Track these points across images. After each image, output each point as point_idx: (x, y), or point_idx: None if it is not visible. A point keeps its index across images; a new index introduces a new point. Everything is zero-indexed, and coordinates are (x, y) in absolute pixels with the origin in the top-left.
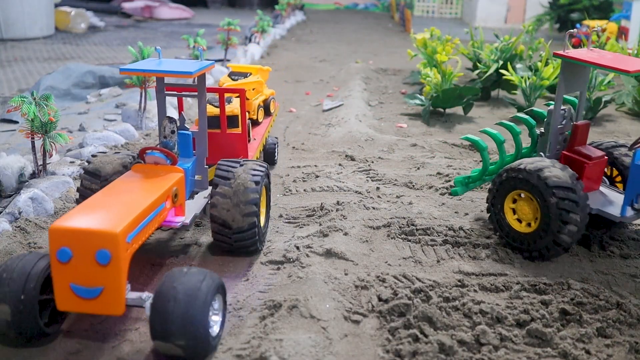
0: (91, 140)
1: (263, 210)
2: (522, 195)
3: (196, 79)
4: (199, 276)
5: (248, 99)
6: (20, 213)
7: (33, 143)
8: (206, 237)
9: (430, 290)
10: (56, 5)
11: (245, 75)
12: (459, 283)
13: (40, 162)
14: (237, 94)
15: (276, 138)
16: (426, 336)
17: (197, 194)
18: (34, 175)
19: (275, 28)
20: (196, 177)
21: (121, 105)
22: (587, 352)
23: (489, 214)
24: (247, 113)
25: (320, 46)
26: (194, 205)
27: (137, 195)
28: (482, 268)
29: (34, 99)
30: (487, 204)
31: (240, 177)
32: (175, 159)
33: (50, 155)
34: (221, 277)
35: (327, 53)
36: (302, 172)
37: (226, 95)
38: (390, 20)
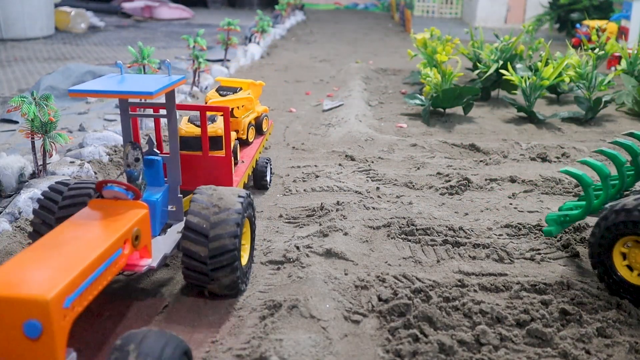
0: (91, 140)
1: (246, 245)
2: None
3: (165, 96)
4: (158, 342)
5: (236, 117)
6: (20, 213)
7: (33, 143)
8: (180, 276)
9: (430, 290)
10: (56, 5)
11: (234, 90)
12: (459, 283)
13: (40, 162)
14: (221, 113)
15: (268, 160)
16: (426, 336)
17: (170, 227)
18: (34, 175)
19: (275, 28)
20: (169, 207)
21: None
22: (587, 352)
23: (595, 270)
24: (235, 132)
25: (320, 46)
26: (165, 242)
27: (85, 243)
28: (482, 268)
29: (34, 99)
30: (591, 259)
31: (219, 207)
32: (139, 193)
33: (50, 155)
34: (191, 335)
35: (327, 53)
36: (302, 172)
37: (209, 113)
38: (390, 20)
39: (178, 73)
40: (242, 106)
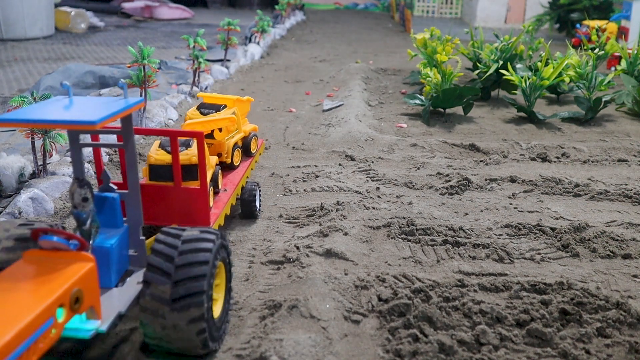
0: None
1: (218, 295)
2: None
3: (120, 122)
4: None
5: (218, 141)
6: (20, 213)
7: (33, 143)
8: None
9: (430, 290)
10: (56, 5)
11: (217, 108)
12: (459, 283)
13: (40, 162)
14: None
15: (256, 185)
16: (426, 336)
17: (131, 274)
18: (34, 175)
19: (275, 28)
20: (130, 252)
21: None
22: (587, 352)
23: None
24: (217, 156)
25: (320, 46)
26: (122, 296)
27: (4, 312)
28: (482, 268)
29: (34, 99)
30: None
31: (183, 253)
32: (84, 243)
33: (50, 155)
34: None
35: (327, 53)
36: (302, 172)
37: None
38: (390, 20)
39: (178, 73)
40: (222, 129)
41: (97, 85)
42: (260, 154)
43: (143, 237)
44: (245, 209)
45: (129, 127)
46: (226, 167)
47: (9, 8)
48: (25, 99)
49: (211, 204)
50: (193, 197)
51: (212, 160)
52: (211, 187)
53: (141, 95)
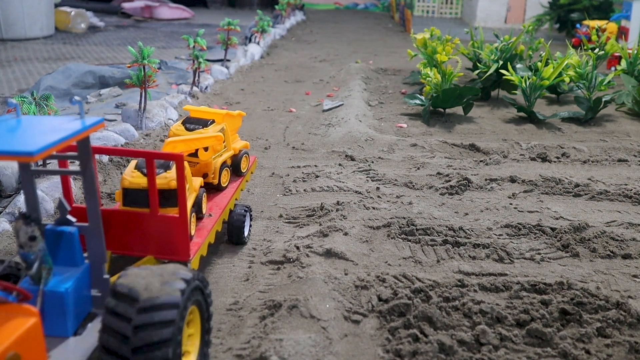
0: (91, 141)
1: (193, 343)
2: None
3: (77, 145)
4: None
5: (204, 162)
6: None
7: None
8: None
9: (430, 290)
10: (56, 5)
11: (205, 123)
12: (459, 283)
13: (40, 162)
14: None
15: (246, 208)
16: (426, 336)
17: (94, 319)
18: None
19: (275, 28)
20: (93, 292)
21: (121, 105)
22: (587, 352)
23: None
24: (203, 177)
25: (320, 46)
26: (80, 347)
27: None
28: (482, 268)
29: (34, 99)
30: None
31: (149, 297)
32: (25, 294)
33: None
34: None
35: (327, 53)
36: (302, 172)
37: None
38: (390, 20)
39: (178, 73)
40: (208, 148)
41: (97, 85)
42: (252, 172)
43: (107, 276)
44: (232, 236)
45: (87, 151)
46: (213, 188)
47: (9, 8)
48: (25, 99)
49: (192, 232)
50: (171, 226)
51: (195, 183)
52: (193, 214)
53: (141, 96)
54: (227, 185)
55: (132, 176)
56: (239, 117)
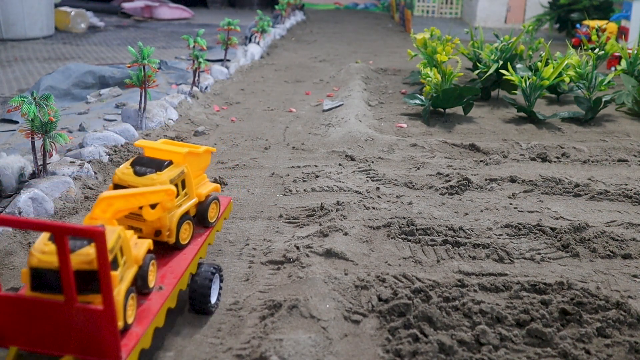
0: (91, 140)
1: None
2: None
3: None
4: None
5: (146, 223)
6: (20, 213)
7: (33, 143)
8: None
9: (430, 290)
10: (56, 5)
11: (159, 165)
12: (459, 283)
13: (40, 162)
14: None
15: (215, 269)
16: (426, 336)
17: None
18: (34, 175)
19: (275, 28)
20: None
21: (121, 105)
22: (587, 352)
23: None
24: (156, 235)
25: (320, 46)
26: None
27: None
28: (482, 268)
29: (34, 99)
30: None
31: None
32: None
33: (50, 155)
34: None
35: (327, 53)
36: (302, 172)
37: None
38: (390, 20)
39: (178, 73)
40: (156, 205)
41: (97, 85)
42: (225, 219)
43: None
44: (195, 304)
45: None
46: (171, 248)
47: (9, 8)
48: (25, 99)
49: (131, 319)
50: (93, 320)
51: (139, 250)
52: (132, 294)
53: (141, 96)
54: (190, 242)
55: (44, 251)
56: (206, 155)
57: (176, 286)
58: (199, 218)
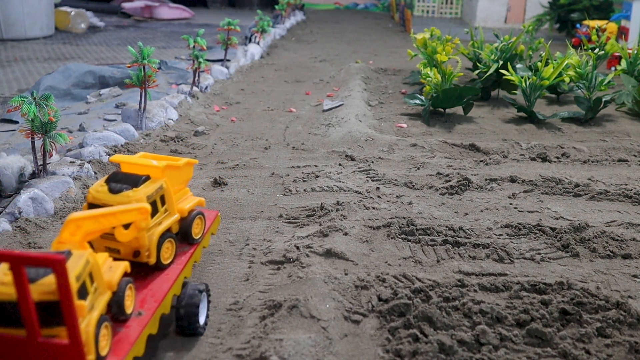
0: (91, 140)
1: None
2: None
3: None
4: None
5: (124, 243)
6: (20, 213)
7: (33, 143)
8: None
9: (430, 290)
10: (56, 5)
11: (136, 181)
12: (459, 283)
13: (40, 162)
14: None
15: (201, 288)
16: (426, 336)
17: None
18: (34, 175)
19: (275, 28)
20: None
21: (121, 105)
22: (587, 352)
23: None
24: (134, 255)
25: (320, 46)
26: None
27: None
28: (482, 268)
29: (34, 99)
30: None
31: None
32: None
33: (50, 155)
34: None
35: (327, 53)
36: (302, 172)
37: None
38: (390, 20)
39: (178, 73)
40: (129, 225)
41: (97, 85)
42: (213, 234)
43: None
44: (183, 327)
45: None
46: (152, 268)
47: (9, 8)
48: (25, 99)
49: (104, 351)
50: (58, 356)
51: (113, 274)
52: (105, 323)
53: (141, 96)
54: (172, 261)
55: (2, 282)
56: (187, 167)
57: (157, 310)
58: (183, 235)
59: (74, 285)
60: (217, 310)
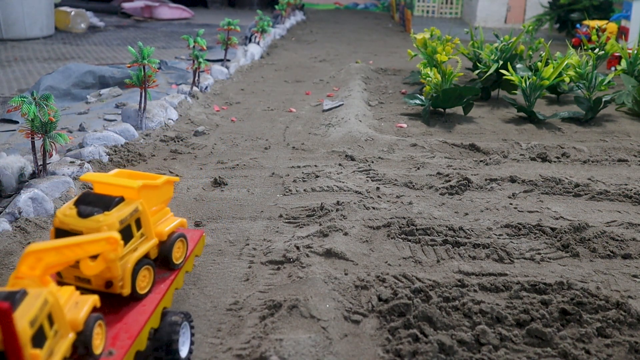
0: (91, 140)
1: None
2: None
3: None
4: None
5: (89, 278)
6: (20, 213)
7: (33, 143)
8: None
9: (430, 290)
10: (56, 5)
11: (108, 204)
12: (459, 283)
13: (40, 162)
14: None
15: (183, 318)
16: (426, 336)
17: None
18: (34, 175)
19: (275, 28)
20: None
21: (121, 105)
22: (587, 352)
23: None
24: (107, 286)
25: (320, 46)
26: None
27: None
28: (482, 268)
29: (34, 99)
30: None
31: None
32: None
33: (50, 155)
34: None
35: (327, 53)
36: (302, 172)
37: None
38: (390, 20)
39: (178, 73)
40: (96, 257)
41: (97, 85)
42: (197, 256)
43: None
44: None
45: None
46: (128, 298)
47: (9, 8)
48: (25, 99)
49: None
50: None
51: (79, 310)
52: None
53: (141, 96)
54: (150, 290)
55: None
56: (167, 186)
57: (131, 348)
58: (162, 260)
59: (27, 333)
60: (217, 310)
